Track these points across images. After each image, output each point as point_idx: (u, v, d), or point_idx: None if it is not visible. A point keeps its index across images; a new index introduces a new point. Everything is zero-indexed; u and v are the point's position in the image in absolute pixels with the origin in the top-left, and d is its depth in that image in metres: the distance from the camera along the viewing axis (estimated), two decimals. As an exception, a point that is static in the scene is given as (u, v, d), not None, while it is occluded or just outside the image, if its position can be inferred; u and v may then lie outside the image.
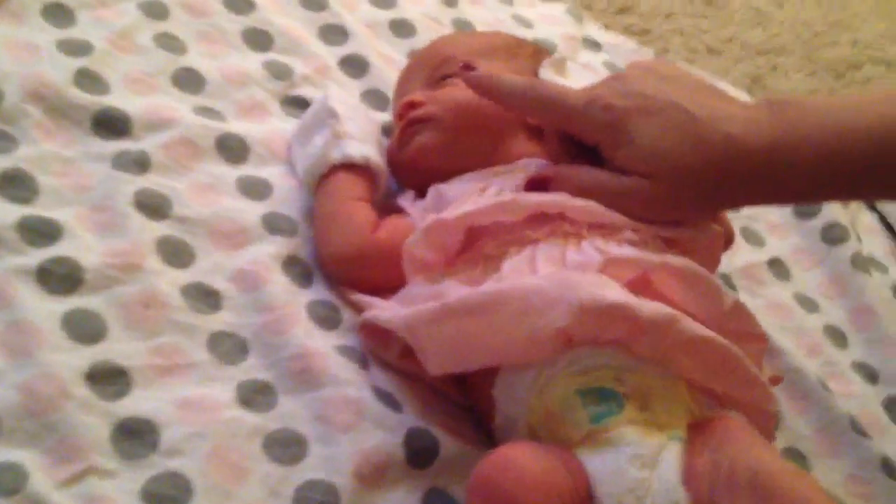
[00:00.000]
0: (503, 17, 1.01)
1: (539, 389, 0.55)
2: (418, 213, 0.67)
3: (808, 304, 0.85)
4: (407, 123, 0.71)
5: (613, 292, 0.53)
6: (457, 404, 0.63)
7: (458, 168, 0.69)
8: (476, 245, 0.61)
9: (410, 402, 0.61)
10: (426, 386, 0.62)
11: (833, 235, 0.90)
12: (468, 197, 0.63)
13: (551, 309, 0.52)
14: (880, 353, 0.83)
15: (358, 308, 0.64)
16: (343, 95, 0.74)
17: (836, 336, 0.84)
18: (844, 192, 0.64)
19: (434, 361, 0.58)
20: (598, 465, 0.50)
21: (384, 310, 0.61)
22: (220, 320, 0.61)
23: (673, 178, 0.59)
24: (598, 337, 0.53)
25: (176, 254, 0.63)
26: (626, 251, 0.58)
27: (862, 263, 0.88)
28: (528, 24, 1.01)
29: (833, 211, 0.92)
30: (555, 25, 1.03)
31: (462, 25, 0.96)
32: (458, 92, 0.70)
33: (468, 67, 0.67)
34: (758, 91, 1.16)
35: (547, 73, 0.73)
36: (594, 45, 1.05)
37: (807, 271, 0.89)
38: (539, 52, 0.80)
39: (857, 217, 0.96)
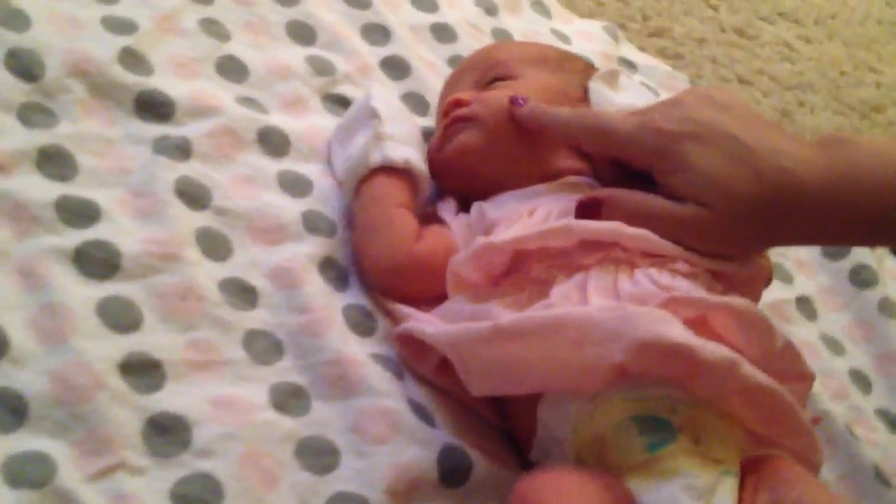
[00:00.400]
0: (541, 29, 1.00)
1: (591, 412, 0.53)
2: (459, 226, 0.66)
3: (835, 347, 0.84)
4: (451, 121, 0.69)
5: (675, 331, 0.51)
6: (490, 423, 0.61)
7: (498, 175, 0.67)
8: (523, 268, 0.60)
9: (444, 417, 0.59)
10: (459, 402, 0.60)
11: (861, 278, 0.89)
12: (517, 219, 0.62)
13: (610, 342, 0.51)
14: (904, 402, 0.82)
15: (395, 317, 0.63)
16: (386, 95, 0.72)
17: (862, 381, 0.82)
18: (887, 238, 0.62)
19: (478, 382, 0.56)
20: (652, 495, 0.48)
21: (426, 323, 0.60)
22: (256, 318, 0.59)
23: (729, 208, 0.57)
24: (654, 373, 0.52)
25: (214, 246, 0.61)
26: (681, 284, 0.57)
27: (890, 309, 0.87)
28: (565, 39, 1.00)
29: (861, 253, 0.91)
30: (592, 42, 1.02)
31: (501, 34, 0.95)
32: (503, 95, 0.68)
33: (515, 102, 0.66)
34: (787, 126, 1.15)
35: (598, 86, 0.72)
36: (630, 66, 1.04)
37: (833, 312, 0.88)
38: (588, 67, 0.78)
39: (882, 261, 0.96)
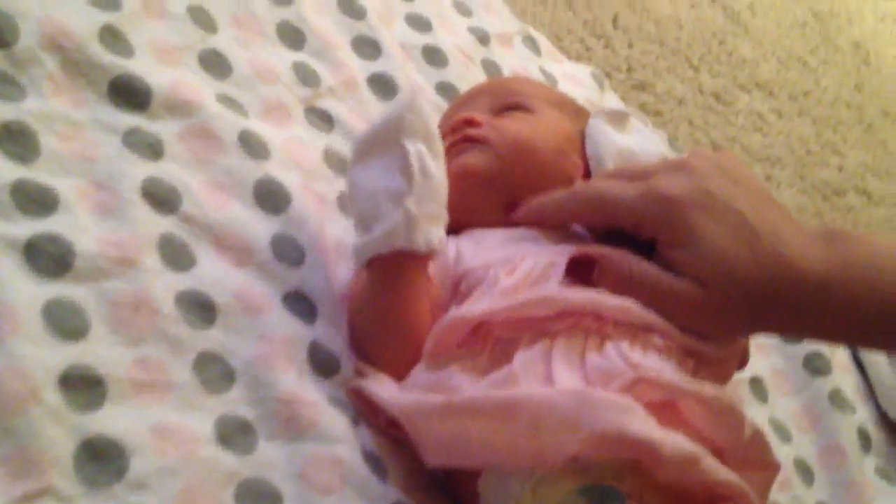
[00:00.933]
0: (531, 66, 0.97)
1: (534, 485, 0.50)
2: (435, 271, 0.62)
3: (782, 432, 0.84)
4: (461, 138, 0.66)
5: (636, 423, 0.48)
6: (443, 481, 0.58)
7: (488, 207, 0.64)
8: (485, 325, 0.56)
9: (397, 468, 0.56)
10: (414, 454, 0.57)
11: (815, 366, 0.88)
12: (493, 280, 0.58)
13: (567, 431, 0.48)
14: (842, 497, 0.82)
15: (356, 368, 0.59)
16: (422, 120, 0.58)
17: (805, 472, 0.82)
18: (884, 342, 0.60)
19: (430, 454, 0.53)
20: None
21: (381, 384, 0.56)
22: (212, 339, 0.55)
23: (728, 289, 0.55)
24: (610, 458, 0.49)
25: (176, 255, 0.57)
26: (652, 361, 0.54)
27: (839, 401, 0.86)
28: (552, 80, 0.98)
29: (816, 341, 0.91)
30: (578, 87, 1.00)
31: (491, 66, 0.92)
32: (519, 125, 0.66)
33: (512, 208, 0.64)
34: (753, 198, 1.15)
35: (598, 123, 0.69)
36: (613, 118, 1.03)
37: (784, 396, 0.87)
38: None
39: (835, 351, 0.95)
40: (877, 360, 0.97)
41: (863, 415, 0.92)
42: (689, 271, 0.55)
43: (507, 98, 0.69)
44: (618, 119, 0.71)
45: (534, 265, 0.59)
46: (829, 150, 1.38)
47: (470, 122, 0.66)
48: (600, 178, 0.64)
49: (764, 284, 0.55)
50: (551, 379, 0.52)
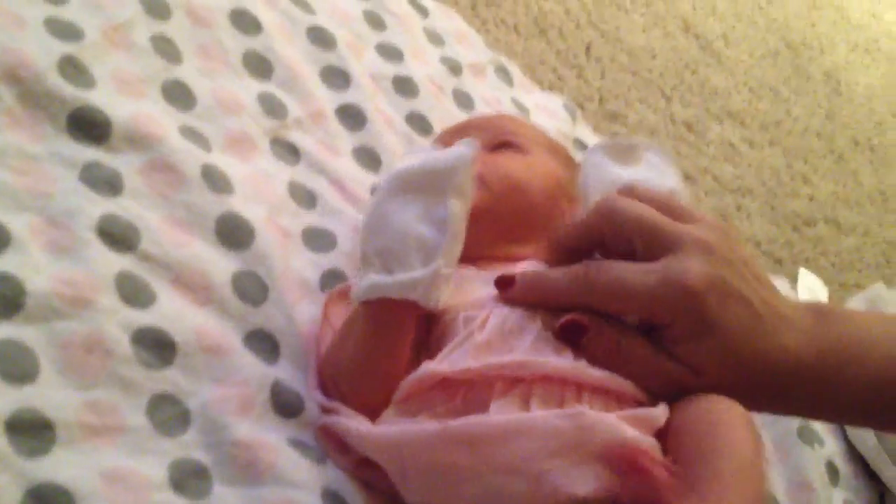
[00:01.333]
0: (502, 97, 0.97)
1: None
2: None
3: (750, 469, 0.83)
4: None
5: (631, 432, 0.49)
6: None
7: (474, 240, 0.60)
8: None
9: None
10: (382, 494, 0.56)
11: (783, 402, 0.88)
12: (468, 333, 0.56)
13: (571, 453, 0.48)
14: (811, 535, 0.81)
15: (322, 406, 0.58)
16: (468, 182, 0.57)
17: (775, 507, 0.81)
18: (876, 421, 0.61)
19: (415, 490, 0.52)
20: None
21: (356, 421, 0.55)
22: (168, 380, 0.54)
23: (722, 379, 0.54)
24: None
25: (136, 291, 0.55)
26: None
27: (808, 436, 0.86)
28: (524, 111, 0.98)
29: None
30: (550, 118, 1.00)
31: (462, 97, 0.92)
32: (513, 164, 0.65)
33: (499, 284, 0.58)
34: (724, 229, 1.15)
35: (597, 158, 0.65)
36: (583, 148, 1.02)
37: (752, 432, 0.86)
38: None
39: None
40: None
41: (831, 448, 0.92)
42: (689, 362, 0.54)
43: (501, 136, 0.69)
44: (623, 151, 0.66)
45: (508, 314, 0.57)
46: (800, 180, 1.39)
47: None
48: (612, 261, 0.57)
49: (760, 374, 0.54)
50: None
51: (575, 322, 0.55)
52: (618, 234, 0.56)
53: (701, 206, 1.16)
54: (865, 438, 0.94)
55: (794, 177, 1.39)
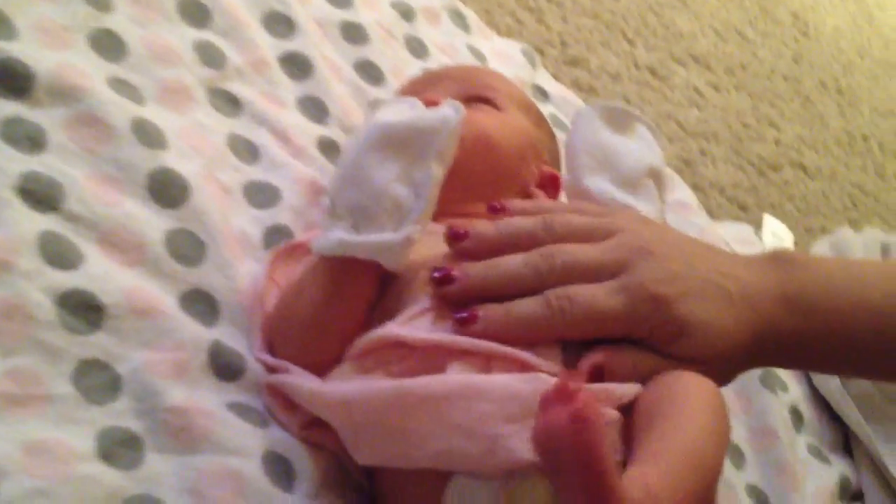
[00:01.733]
0: (458, 44, 0.94)
1: (509, 495, 0.47)
2: None
3: (711, 419, 0.82)
4: None
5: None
6: (360, 484, 0.56)
7: (441, 197, 0.58)
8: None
9: (308, 472, 0.53)
10: (330, 454, 0.55)
11: (746, 350, 0.87)
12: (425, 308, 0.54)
13: (530, 418, 0.45)
14: (774, 480, 0.81)
15: (268, 365, 0.56)
16: (451, 146, 0.56)
17: (736, 454, 0.81)
18: (851, 367, 0.64)
19: (367, 450, 0.50)
20: None
21: (307, 379, 0.53)
22: (96, 344, 0.51)
23: (724, 359, 0.55)
24: None
25: (60, 252, 0.52)
26: None
27: (770, 381, 0.85)
28: (481, 58, 0.95)
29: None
30: (508, 65, 0.97)
31: (415, 43, 0.88)
32: (487, 119, 0.63)
33: (459, 320, 0.53)
34: (688, 175, 1.13)
35: (591, 117, 0.65)
36: (543, 95, 1.00)
37: (715, 381, 0.85)
38: (553, 138, 0.74)
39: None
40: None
41: (795, 392, 0.91)
42: (687, 358, 0.54)
43: (476, 89, 0.66)
44: (618, 117, 0.66)
45: None
46: (766, 123, 1.37)
47: (435, 104, 0.61)
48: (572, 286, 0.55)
49: (750, 340, 0.56)
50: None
51: (594, 366, 0.53)
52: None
53: (664, 153, 1.14)
54: (829, 382, 0.93)
55: (760, 120, 1.37)
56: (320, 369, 0.54)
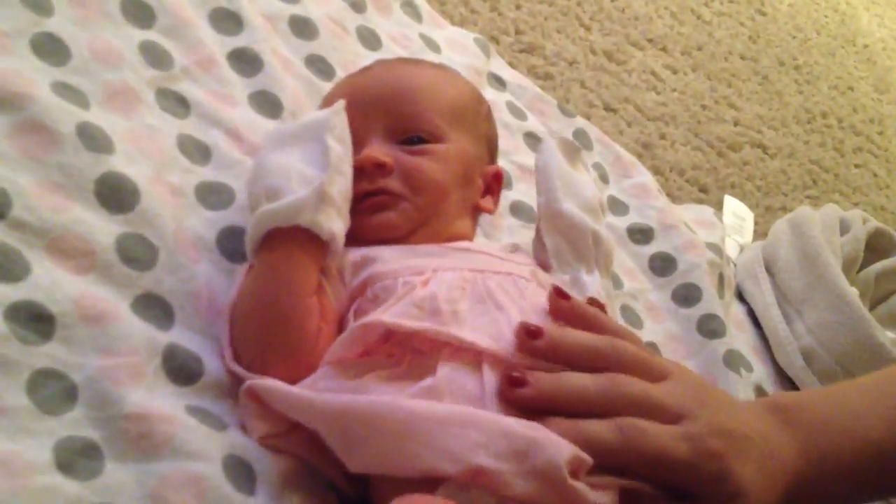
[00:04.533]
0: (410, 34, 0.93)
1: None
2: (334, 279, 0.59)
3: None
4: (376, 190, 0.62)
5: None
6: (328, 482, 0.55)
7: (403, 224, 0.64)
8: (399, 335, 0.54)
9: (270, 474, 0.53)
10: (291, 456, 0.54)
11: (709, 328, 0.87)
12: (404, 289, 0.56)
13: (515, 461, 0.47)
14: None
15: (237, 375, 0.55)
16: (346, 130, 0.61)
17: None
18: (865, 496, 0.64)
19: (359, 460, 0.50)
20: None
21: (281, 385, 0.53)
22: (48, 355, 0.50)
23: None
24: None
25: (6, 264, 0.52)
26: None
27: (734, 362, 0.86)
28: (435, 48, 0.94)
29: (709, 303, 0.89)
30: (462, 54, 0.97)
31: (367, 34, 0.88)
32: (432, 168, 0.64)
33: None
34: (647, 159, 1.14)
35: (552, 154, 0.68)
36: (499, 83, 1.00)
37: (680, 361, 0.86)
38: (490, 112, 0.74)
39: (729, 309, 0.95)
40: (772, 315, 0.97)
41: (760, 373, 0.92)
42: None
43: (405, 122, 0.65)
44: (570, 151, 0.70)
45: (451, 277, 0.57)
46: (724, 104, 1.38)
47: (381, 167, 0.62)
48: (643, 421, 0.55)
49: (781, 498, 0.56)
50: (483, 400, 0.51)
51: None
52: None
53: (623, 137, 1.14)
54: (793, 360, 0.94)
55: (719, 101, 1.37)
56: (286, 373, 0.54)
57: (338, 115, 0.60)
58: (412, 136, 0.65)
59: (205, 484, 0.49)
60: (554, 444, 0.48)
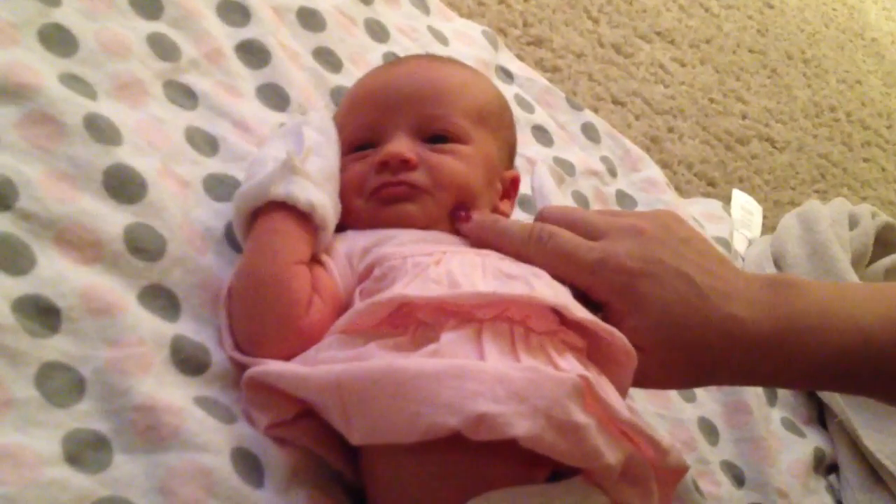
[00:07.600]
0: (418, 26, 0.93)
1: None
2: (339, 263, 0.59)
3: (686, 393, 0.82)
4: (397, 182, 0.62)
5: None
6: (337, 474, 0.55)
7: (421, 216, 0.63)
8: (405, 308, 0.54)
9: (278, 466, 0.52)
10: (299, 448, 0.54)
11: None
12: (416, 268, 0.56)
13: (515, 402, 0.47)
14: (749, 455, 0.81)
15: (238, 363, 0.55)
16: (326, 123, 0.65)
17: (709, 431, 0.81)
18: (836, 385, 0.65)
19: (359, 430, 0.49)
20: None
21: (286, 364, 0.53)
22: (56, 347, 0.50)
23: (669, 353, 0.58)
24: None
25: (12, 256, 0.51)
26: (568, 361, 0.53)
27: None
28: (443, 40, 0.94)
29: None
30: (470, 46, 0.96)
31: (375, 27, 0.87)
32: (456, 167, 0.63)
33: (458, 216, 0.63)
34: (655, 152, 1.13)
35: (546, 177, 0.72)
36: (507, 76, 0.99)
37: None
38: (513, 119, 0.74)
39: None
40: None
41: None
42: (630, 339, 0.56)
43: (432, 121, 0.65)
44: (556, 177, 0.74)
45: (461, 258, 0.58)
46: (733, 97, 1.37)
47: (405, 162, 0.62)
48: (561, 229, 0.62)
49: (713, 346, 0.57)
50: (484, 360, 0.51)
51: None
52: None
53: (631, 131, 1.14)
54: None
55: (727, 95, 1.37)
56: (284, 350, 0.55)
57: (317, 112, 0.65)
58: (438, 135, 0.65)
59: (213, 476, 0.49)
60: (552, 380, 0.48)
